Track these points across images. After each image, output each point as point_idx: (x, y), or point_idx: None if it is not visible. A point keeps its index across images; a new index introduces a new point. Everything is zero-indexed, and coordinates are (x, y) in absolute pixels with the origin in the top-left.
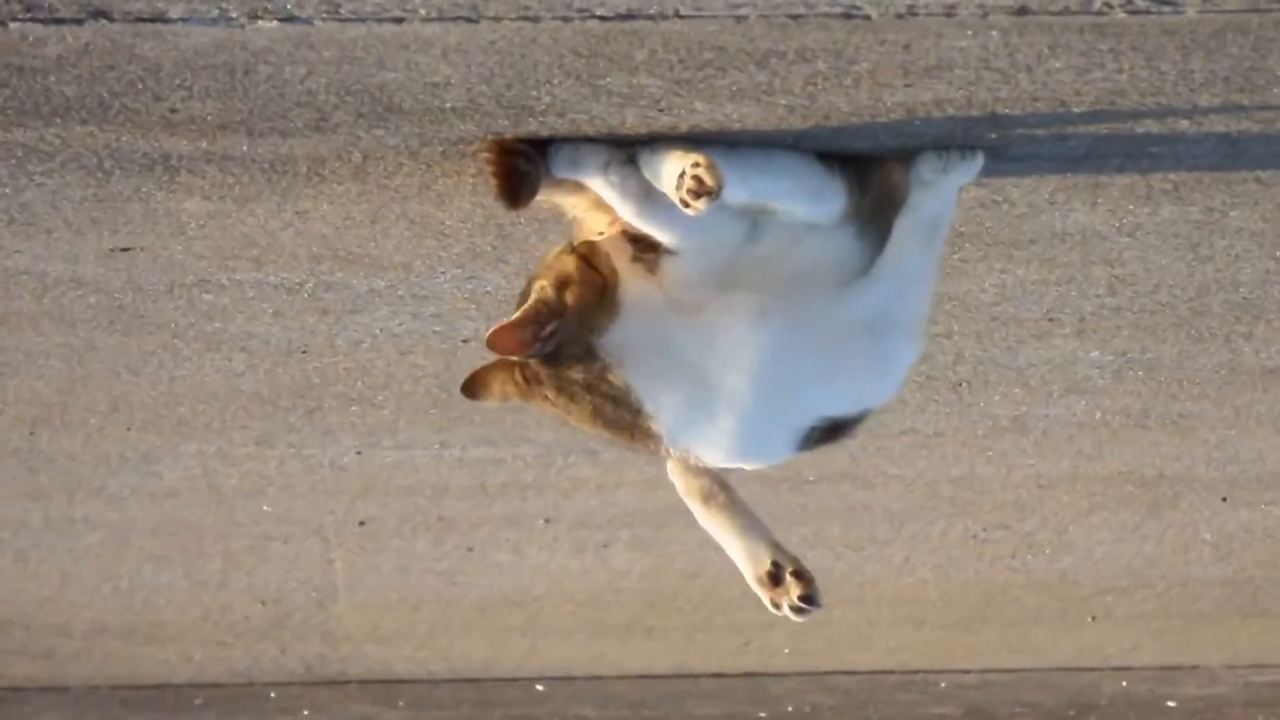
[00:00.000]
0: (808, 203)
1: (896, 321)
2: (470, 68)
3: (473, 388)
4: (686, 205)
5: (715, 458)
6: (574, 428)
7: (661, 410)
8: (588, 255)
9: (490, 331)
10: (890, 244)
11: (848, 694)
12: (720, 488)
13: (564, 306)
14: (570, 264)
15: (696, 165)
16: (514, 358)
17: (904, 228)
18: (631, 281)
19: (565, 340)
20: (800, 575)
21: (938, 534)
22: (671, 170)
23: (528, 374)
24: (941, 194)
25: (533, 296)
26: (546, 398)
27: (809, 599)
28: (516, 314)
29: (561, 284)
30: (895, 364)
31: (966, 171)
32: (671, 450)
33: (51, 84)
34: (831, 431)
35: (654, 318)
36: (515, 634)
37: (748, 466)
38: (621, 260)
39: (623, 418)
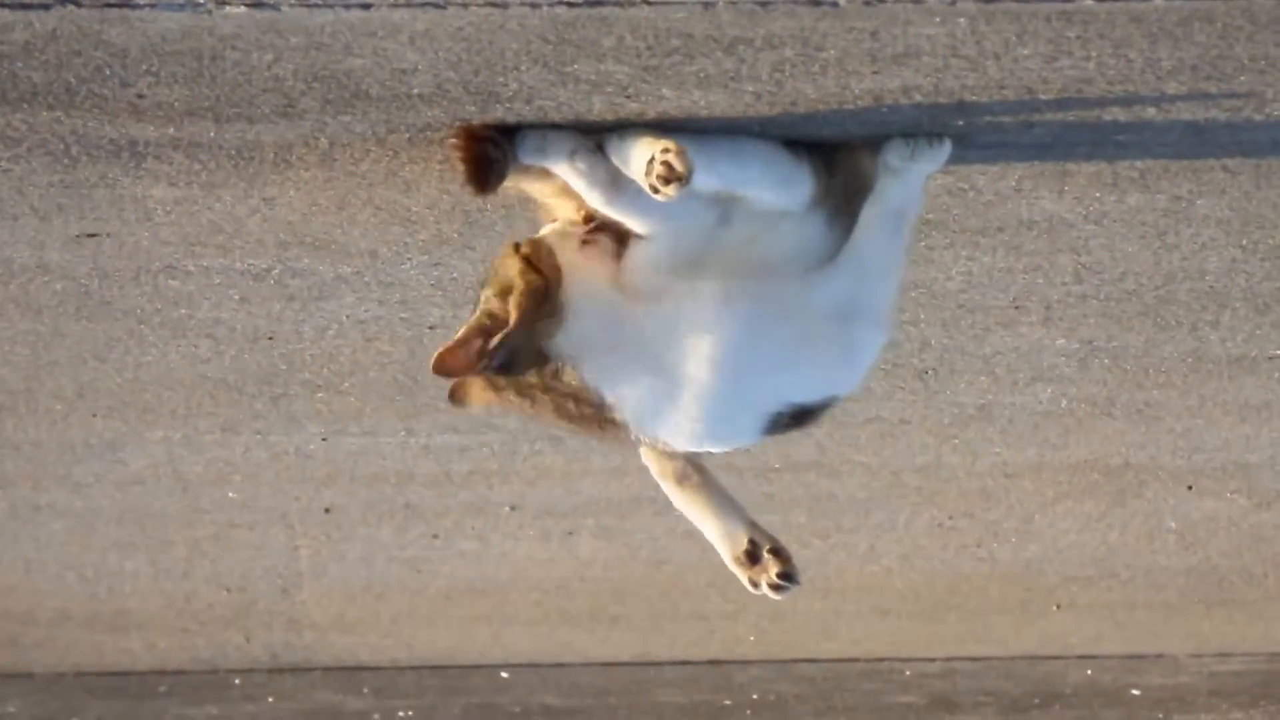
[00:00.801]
0: (775, 189)
1: (863, 309)
2: (438, 54)
3: (456, 397)
4: (656, 191)
5: (681, 443)
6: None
7: (624, 401)
8: (530, 255)
9: (434, 357)
10: (856, 232)
11: (812, 682)
12: (694, 469)
13: (505, 318)
14: (513, 269)
15: (666, 151)
16: (470, 374)
17: (870, 215)
18: (577, 276)
19: (515, 348)
20: (777, 553)
21: (903, 522)
22: (641, 156)
23: (492, 381)
24: (909, 182)
25: (477, 309)
26: (513, 402)
27: (787, 576)
28: (459, 333)
29: (504, 292)
30: (861, 352)
31: (934, 159)
32: (640, 438)
33: (18, 69)
34: (798, 418)
35: (605, 310)
36: (480, 622)
37: (714, 450)
38: (568, 252)
39: (585, 412)
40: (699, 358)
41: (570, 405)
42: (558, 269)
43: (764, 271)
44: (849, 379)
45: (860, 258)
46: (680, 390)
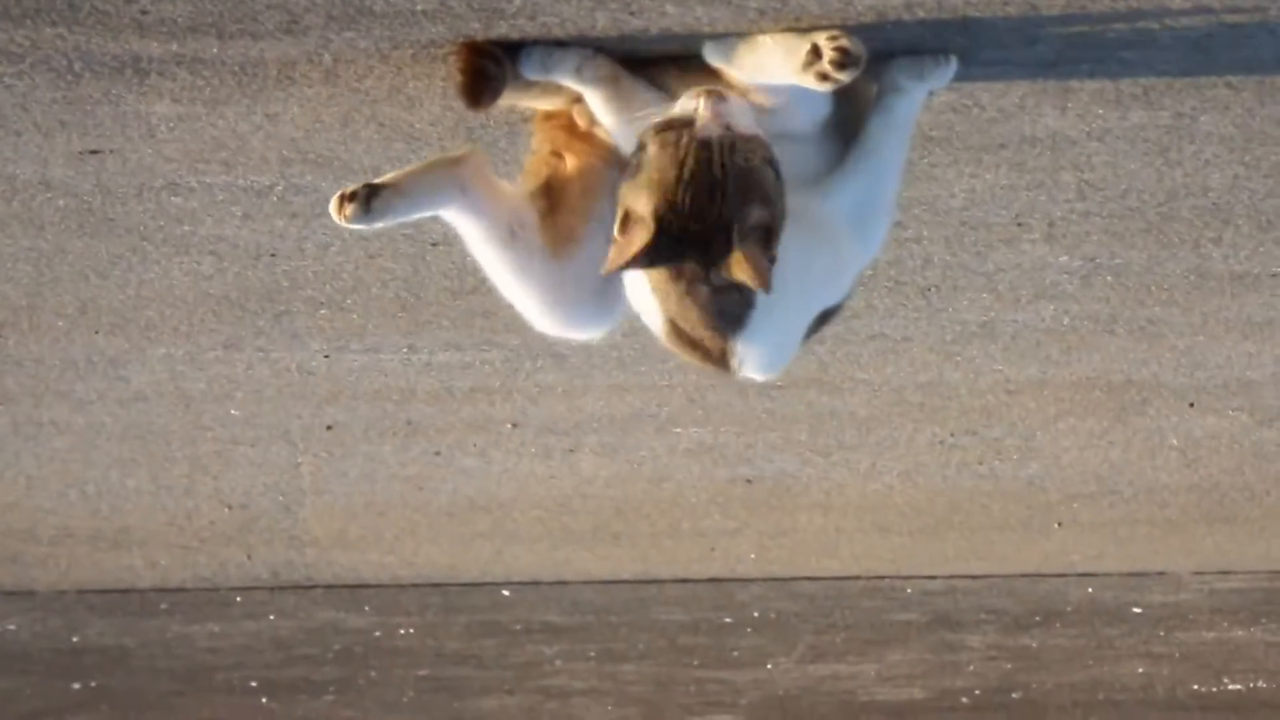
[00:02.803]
0: (810, 107)
1: (876, 207)
2: None
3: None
4: (825, 78)
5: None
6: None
7: None
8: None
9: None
10: (866, 142)
11: (812, 600)
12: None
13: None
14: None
15: (835, 37)
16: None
17: (878, 127)
18: None
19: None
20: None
21: (905, 440)
22: (794, 50)
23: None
24: (915, 98)
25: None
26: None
27: (845, 52)
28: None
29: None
30: (878, 243)
31: (941, 77)
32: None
33: None
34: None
35: None
36: (481, 539)
37: (762, 372)
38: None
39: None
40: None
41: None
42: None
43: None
44: (865, 261)
45: (871, 166)
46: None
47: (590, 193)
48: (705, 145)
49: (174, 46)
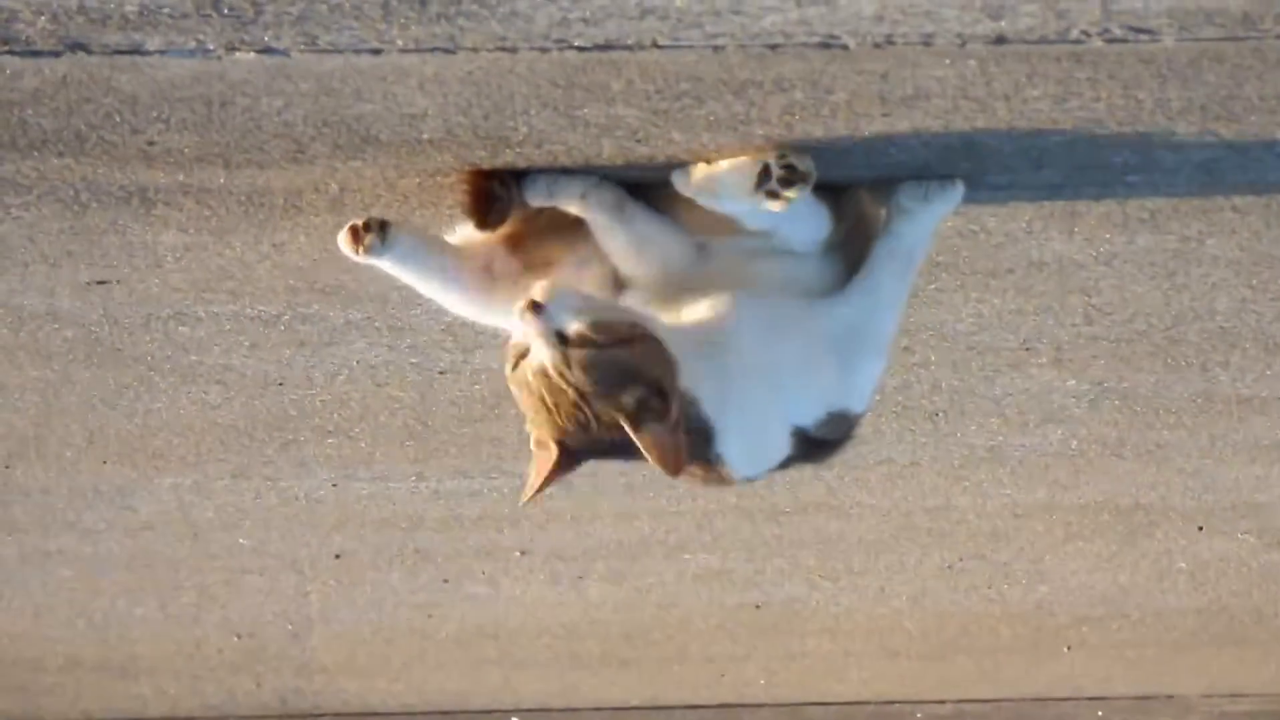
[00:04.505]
0: (805, 228)
1: (866, 339)
2: (447, 99)
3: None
4: (775, 197)
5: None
6: None
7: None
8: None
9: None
10: (867, 266)
11: None
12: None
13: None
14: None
15: (783, 156)
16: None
17: (882, 252)
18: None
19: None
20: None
21: (913, 564)
22: (745, 172)
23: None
24: (920, 222)
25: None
26: None
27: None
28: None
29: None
30: (860, 376)
31: (946, 200)
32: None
33: (28, 116)
34: (808, 449)
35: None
36: (490, 666)
37: (751, 469)
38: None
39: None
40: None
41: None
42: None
43: (766, 290)
44: (846, 400)
45: (869, 290)
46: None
47: (557, 226)
48: (545, 374)
49: (181, 177)
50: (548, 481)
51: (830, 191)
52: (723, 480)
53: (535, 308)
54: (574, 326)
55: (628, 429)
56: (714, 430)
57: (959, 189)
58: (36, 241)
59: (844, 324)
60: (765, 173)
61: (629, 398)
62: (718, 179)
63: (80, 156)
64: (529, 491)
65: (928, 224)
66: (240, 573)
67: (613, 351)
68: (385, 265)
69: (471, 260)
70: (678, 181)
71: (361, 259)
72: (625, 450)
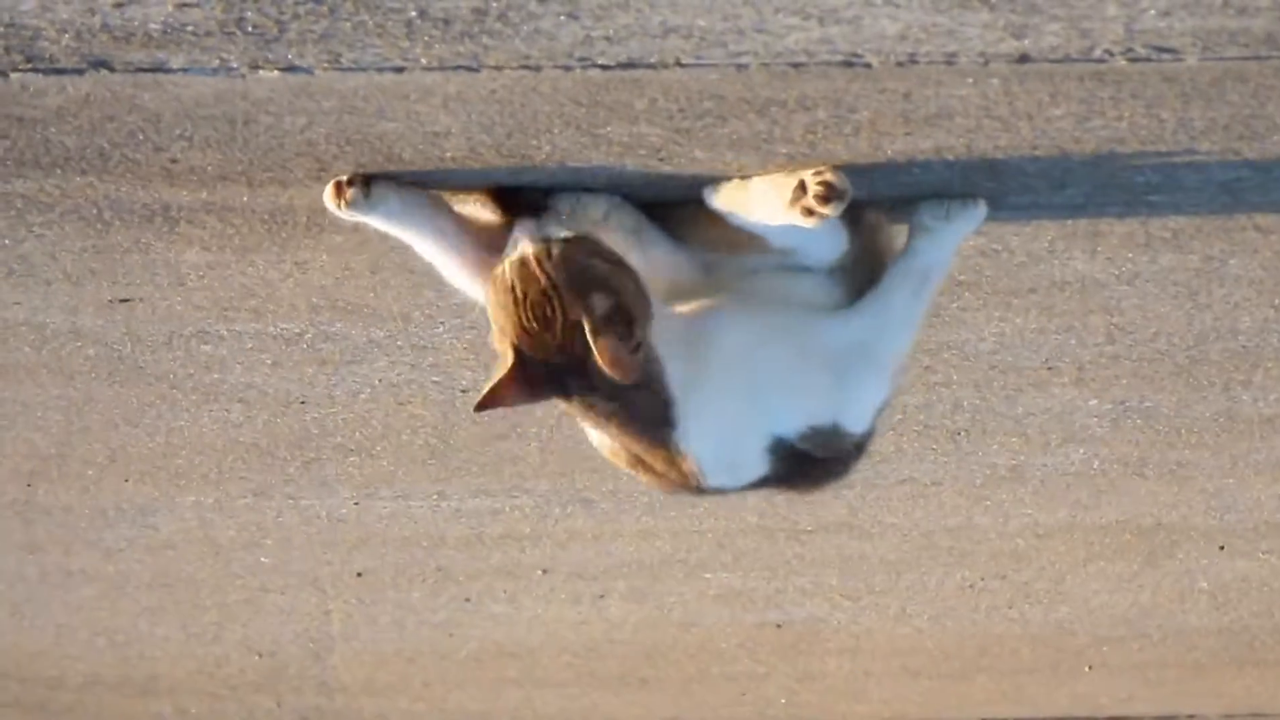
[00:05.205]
0: (826, 246)
1: (869, 357)
2: (470, 117)
3: (488, 404)
4: (811, 214)
5: (699, 463)
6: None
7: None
8: (518, 277)
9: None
10: (883, 283)
11: None
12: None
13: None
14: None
15: (820, 173)
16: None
17: (899, 270)
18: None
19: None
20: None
21: (934, 584)
22: (782, 188)
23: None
24: (940, 241)
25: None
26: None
27: (829, 186)
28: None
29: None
30: (860, 392)
31: (968, 220)
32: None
33: (51, 135)
34: (797, 465)
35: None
36: (511, 685)
37: (724, 484)
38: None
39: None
40: (716, 362)
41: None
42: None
43: (774, 301)
44: (837, 416)
45: (881, 308)
46: (704, 392)
47: None
48: (523, 262)
49: (204, 195)
50: (498, 390)
51: (846, 211)
52: (686, 479)
53: (534, 219)
54: (564, 234)
55: (587, 331)
56: (673, 402)
57: (981, 208)
58: (59, 259)
59: (847, 340)
60: (802, 187)
61: (599, 302)
62: (752, 195)
63: (103, 174)
64: (485, 397)
65: (949, 243)
66: (261, 591)
67: (594, 261)
68: (373, 222)
69: (475, 233)
70: (708, 196)
71: (344, 215)
72: (574, 372)
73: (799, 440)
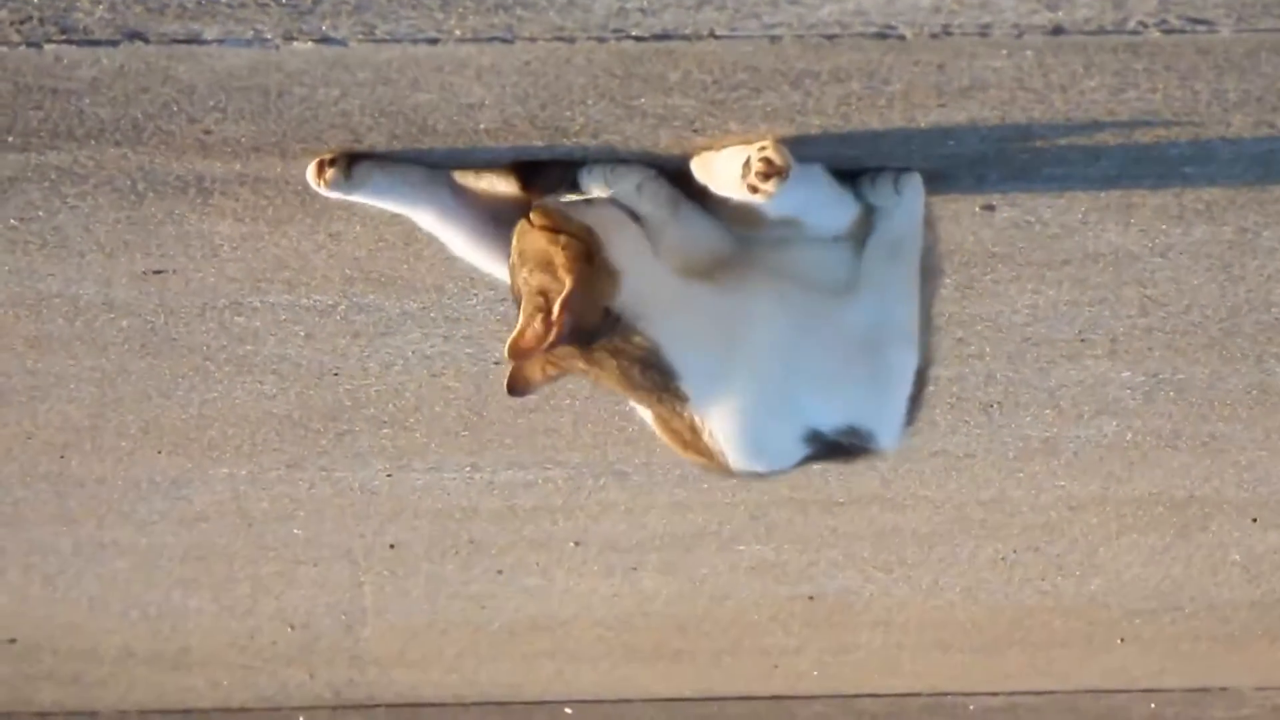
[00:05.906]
0: (834, 213)
1: (887, 332)
2: (504, 88)
3: (516, 386)
4: (755, 191)
5: (729, 430)
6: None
7: (687, 370)
8: (550, 224)
9: (508, 345)
10: (863, 263)
11: (875, 717)
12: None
13: (559, 286)
14: (541, 240)
15: (763, 149)
16: (543, 352)
17: (869, 246)
18: (614, 236)
19: (579, 312)
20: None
21: (967, 556)
22: (733, 161)
23: (556, 354)
24: (895, 216)
25: (524, 290)
26: (580, 368)
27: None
28: (520, 321)
29: (544, 265)
30: (894, 374)
31: (915, 189)
32: (695, 414)
33: (85, 106)
34: (836, 449)
35: (659, 272)
36: (543, 658)
37: (752, 467)
38: (589, 215)
39: (649, 380)
40: (752, 349)
41: (635, 371)
42: (586, 228)
43: (804, 282)
44: (880, 405)
45: (871, 285)
46: (737, 373)
47: None
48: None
49: (237, 166)
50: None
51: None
52: (708, 454)
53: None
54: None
55: (515, 302)
56: (676, 373)
57: (914, 179)
58: (93, 231)
59: (863, 318)
60: (747, 164)
61: (531, 278)
62: (713, 169)
63: (137, 146)
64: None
65: (904, 217)
66: (294, 564)
67: (535, 236)
68: (360, 199)
69: (480, 205)
70: (693, 168)
71: (326, 193)
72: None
73: (835, 435)
